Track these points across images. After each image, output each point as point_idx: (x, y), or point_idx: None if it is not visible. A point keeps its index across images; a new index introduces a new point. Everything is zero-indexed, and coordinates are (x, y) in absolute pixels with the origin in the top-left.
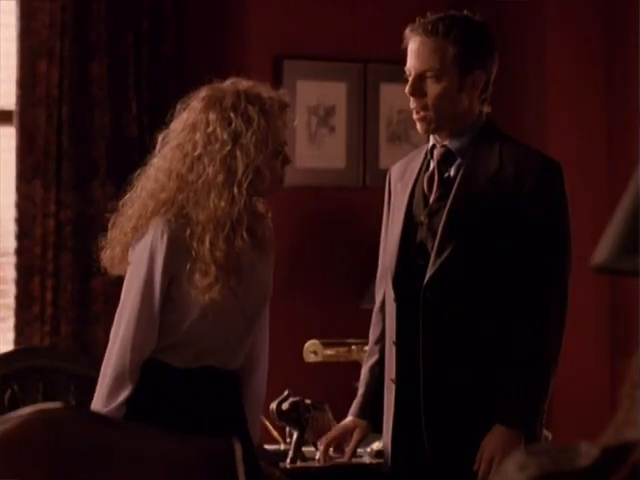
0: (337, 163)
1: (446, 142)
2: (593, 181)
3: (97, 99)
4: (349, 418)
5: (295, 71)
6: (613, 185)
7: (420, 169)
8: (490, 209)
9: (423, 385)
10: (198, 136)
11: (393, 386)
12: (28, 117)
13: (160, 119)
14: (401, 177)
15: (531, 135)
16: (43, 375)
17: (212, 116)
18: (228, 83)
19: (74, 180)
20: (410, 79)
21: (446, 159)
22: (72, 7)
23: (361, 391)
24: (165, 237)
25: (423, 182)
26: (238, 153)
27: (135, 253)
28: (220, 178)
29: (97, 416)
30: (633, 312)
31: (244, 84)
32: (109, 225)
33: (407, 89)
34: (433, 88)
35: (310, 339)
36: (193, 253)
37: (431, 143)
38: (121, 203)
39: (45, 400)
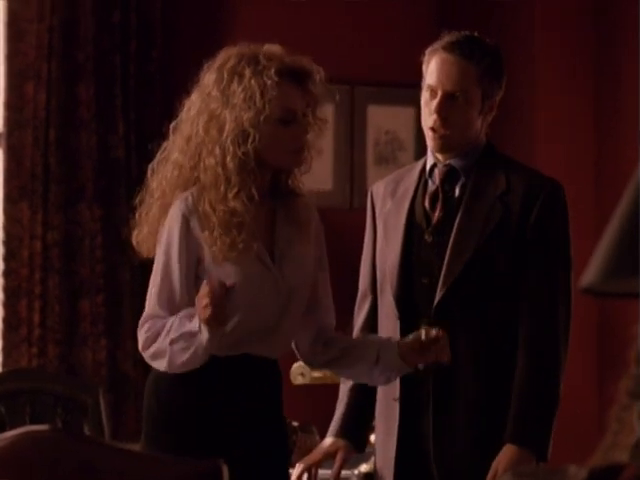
0: (324, 185)
1: (450, 161)
2: (580, 199)
3: (84, 121)
4: (329, 439)
5: None
6: (600, 203)
7: (417, 187)
8: (498, 229)
9: (433, 404)
10: (196, 97)
11: (396, 405)
12: (15, 139)
13: (147, 141)
14: (392, 194)
15: (518, 150)
16: (30, 397)
17: (211, 77)
18: (249, 46)
19: (61, 202)
20: (438, 98)
21: (449, 178)
22: (59, 29)
23: (341, 410)
24: (179, 216)
25: (424, 200)
26: (227, 112)
27: (160, 236)
28: (210, 136)
29: (84, 438)
30: (621, 333)
31: (262, 47)
32: (137, 202)
33: (435, 107)
34: (462, 109)
35: (297, 361)
36: (204, 222)
37: (431, 161)
38: (149, 171)
39: (32, 422)
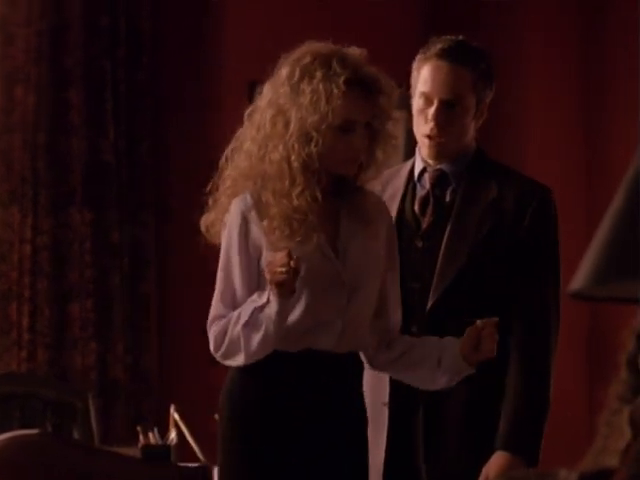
0: None
1: (440, 165)
2: (571, 204)
3: (74, 125)
4: None
5: None
6: (591, 207)
7: (405, 190)
8: (490, 235)
9: (423, 408)
10: (268, 87)
11: (385, 409)
12: (4, 143)
13: (137, 145)
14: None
15: (509, 155)
16: (20, 401)
17: (285, 70)
18: (328, 45)
19: (51, 206)
20: (435, 105)
21: (440, 183)
22: (49, 33)
23: None
24: (238, 215)
25: (413, 204)
26: (294, 110)
27: (223, 230)
28: (276, 131)
29: (73, 442)
30: (611, 337)
31: (340, 50)
32: (210, 188)
33: (432, 115)
34: (458, 117)
35: None
36: (265, 211)
37: (420, 166)
38: (224, 158)
39: (22, 426)
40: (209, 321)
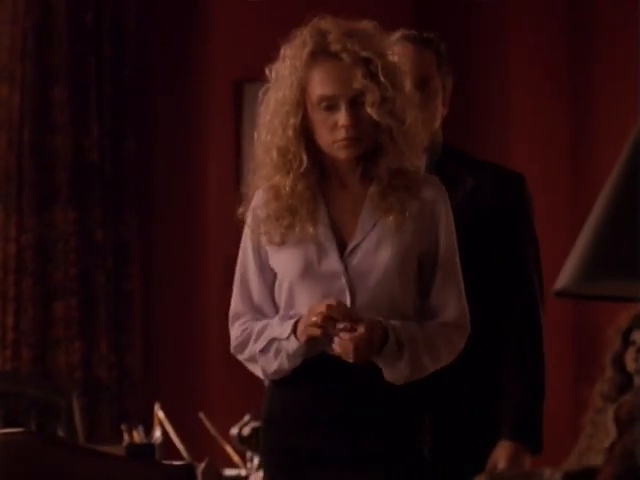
0: None
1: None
2: (556, 202)
3: (58, 123)
4: None
5: (255, 95)
6: (576, 206)
7: None
8: (470, 227)
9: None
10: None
11: None
12: None
13: (121, 144)
14: None
15: (494, 152)
16: (4, 400)
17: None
18: (320, 20)
19: (35, 204)
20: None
21: None
22: (33, 31)
23: None
24: (251, 211)
25: None
26: (272, 91)
27: None
28: (269, 115)
29: (57, 441)
30: (596, 336)
31: (319, 21)
32: (247, 181)
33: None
34: (429, 98)
35: None
36: (266, 205)
37: None
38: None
39: (6, 424)
40: (230, 316)
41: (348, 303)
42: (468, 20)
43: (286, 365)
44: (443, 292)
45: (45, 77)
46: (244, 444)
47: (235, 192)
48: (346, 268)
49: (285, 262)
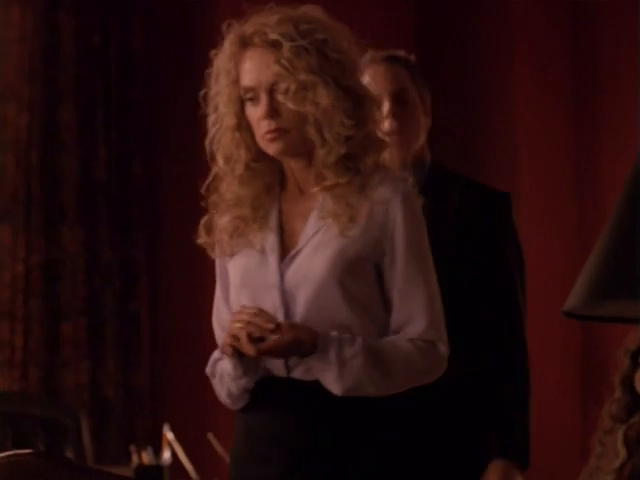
0: None
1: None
2: (562, 226)
3: (66, 144)
4: None
5: None
6: (582, 229)
7: None
8: (458, 246)
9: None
10: None
11: None
12: None
13: (128, 163)
14: None
15: (501, 176)
16: (12, 420)
17: None
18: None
19: (43, 225)
20: (388, 102)
21: None
22: (41, 51)
23: None
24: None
25: None
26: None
27: None
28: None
29: (66, 462)
30: (605, 356)
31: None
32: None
33: (389, 111)
34: (411, 110)
35: None
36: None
37: None
38: None
39: (14, 445)
40: None
41: (281, 317)
42: (473, 52)
43: (233, 388)
44: (407, 303)
45: (52, 97)
46: None
47: None
48: (282, 278)
49: (231, 273)
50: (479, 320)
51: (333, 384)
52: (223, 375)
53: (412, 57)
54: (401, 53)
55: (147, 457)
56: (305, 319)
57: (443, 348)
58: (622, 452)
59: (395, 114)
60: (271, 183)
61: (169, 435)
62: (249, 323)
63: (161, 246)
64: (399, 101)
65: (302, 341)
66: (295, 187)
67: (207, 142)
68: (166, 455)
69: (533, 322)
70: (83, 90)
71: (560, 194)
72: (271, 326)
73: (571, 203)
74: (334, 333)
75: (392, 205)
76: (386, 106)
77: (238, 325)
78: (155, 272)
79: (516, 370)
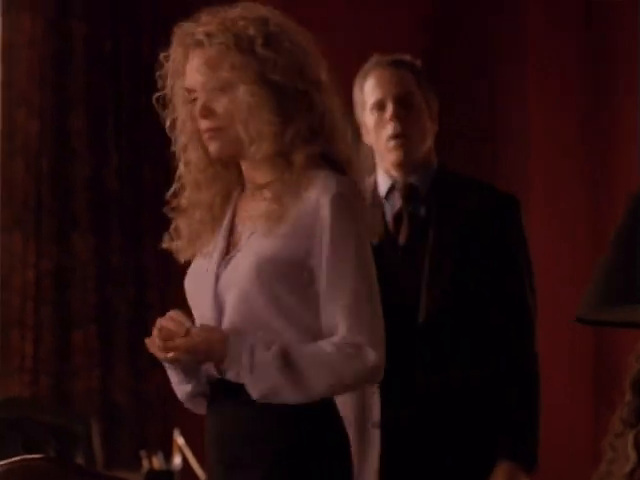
0: None
1: (409, 179)
2: (573, 230)
3: (77, 150)
4: None
5: None
6: (593, 234)
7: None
8: (472, 248)
9: (419, 428)
10: None
11: (375, 431)
12: (7, 168)
13: (140, 171)
14: None
15: (512, 181)
16: (23, 426)
17: None
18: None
19: (54, 232)
20: (391, 105)
21: (411, 197)
22: (52, 58)
23: None
24: None
25: (386, 222)
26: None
27: None
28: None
29: (77, 468)
30: (617, 362)
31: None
32: None
33: (391, 114)
34: (416, 114)
35: None
36: None
37: (387, 183)
38: None
39: (24, 451)
40: None
41: (213, 321)
42: (483, 55)
43: (179, 394)
44: (331, 306)
45: (63, 104)
46: None
47: None
48: (217, 282)
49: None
50: (489, 324)
51: (249, 389)
52: (171, 376)
53: (418, 62)
54: (407, 58)
55: (158, 462)
56: (234, 323)
57: (372, 354)
58: (632, 456)
59: (399, 117)
60: (231, 186)
61: (180, 440)
62: (161, 329)
63: (173, 253)
64: (404, 105)
65: (212, 345)
66: (252, 189)
67: (172, 145)
68: (177, 460)
69: (544, 327)
70: (94, 97)
71: (571, 199)
72: (181, 330)
73: (582, 208)
74: (253, 336)
75: (321, 205)
76: (389, 109)
77: (155, 331)
78: (166, 279)
79: (524, 374)
